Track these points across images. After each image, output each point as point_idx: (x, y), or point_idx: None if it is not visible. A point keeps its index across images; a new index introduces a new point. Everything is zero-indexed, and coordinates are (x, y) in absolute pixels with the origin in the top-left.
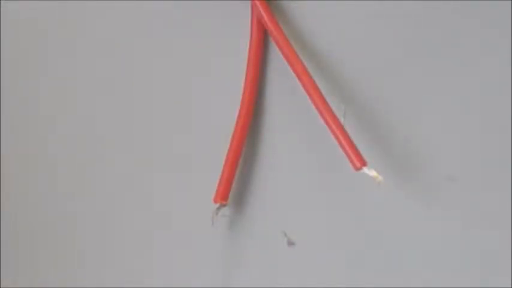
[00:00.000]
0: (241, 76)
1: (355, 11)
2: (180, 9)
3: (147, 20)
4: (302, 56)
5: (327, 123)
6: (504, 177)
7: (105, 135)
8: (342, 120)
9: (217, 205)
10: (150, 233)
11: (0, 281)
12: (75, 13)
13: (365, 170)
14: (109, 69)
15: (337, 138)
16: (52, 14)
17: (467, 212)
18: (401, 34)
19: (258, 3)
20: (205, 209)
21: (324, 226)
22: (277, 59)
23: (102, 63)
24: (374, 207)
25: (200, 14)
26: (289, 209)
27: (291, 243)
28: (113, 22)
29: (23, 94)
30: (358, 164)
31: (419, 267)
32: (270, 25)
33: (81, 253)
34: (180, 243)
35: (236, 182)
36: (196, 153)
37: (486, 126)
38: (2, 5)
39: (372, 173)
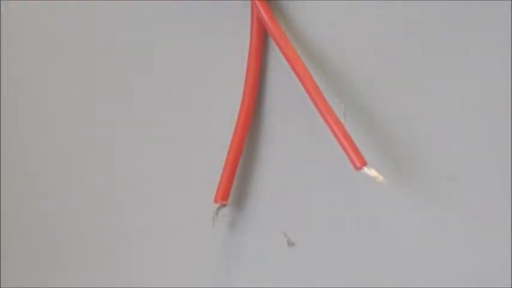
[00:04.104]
0: (241, 76)
1: (355, 11)
2: (180, 9)
3: (147, 20)
4: (302, 56)
5: (327, 123)
6: (504, 177)
7: (105, 135)
8: (342, 120)
9: (218, 205)
10: (150, 233)
11: (0, 281)
12: (75, 13)
13: (365, 170)
14: (109, 69)
15: (337, 138)
16: (52, 13)
17: (467, 212)
18: (401, 34)
19: (258, 3)
20: (205, 209)
21: (324, 226)
22: (277, 59)
23: (102, 63)
24: (374, 207)
25: (200, 14)
26: (289, 209)
27: (291, 243)
28: (112, 22)
29: (23, 94)
30: (358, 164)
31: (419, 267)
32: (270, 25)
33: (81, 253)
34: (180, 243)
35: (236, 182)
36: (196, 153)
37: (486, 126)
38: (2, 5)
39: (372, 173)
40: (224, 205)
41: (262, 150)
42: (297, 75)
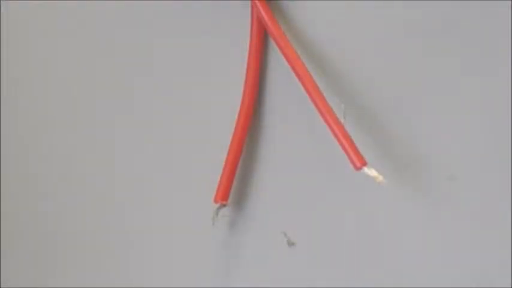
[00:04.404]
0: (241, 76)
1: (355, 11)
2: (180, 9)
3: (147, 20)
4: (302, 56)
5: (327, 123)
6: (504, 177)
7: (105, 135)
8: (342, 120)
9: (218, 205)
10: (150, 233)
11: (0, 281)
12: (75, 13)
13: (365, 170)
14: (109, 69)
15: (337, 138)
16: (52, 13)
17: (467, 212)
18: (401, 34)
19: (258, 3)
20: (205, 209)
21: (324, 226)
22: (277, 59)
23: (102, 63)
24: (374, 207)
25: (200, 14)
26: (289, 209)
27: (291, 243)
28: (112, 22)
29: (23, 94)
30: (358, 164)
31: (419, 267)
32: (270, 25)
33: (81, 253)
34: (180, 243)
35: (236, 182)
36: (197, 153)
37: (486, 126)
38: (2, 5)
39: (372, 173)
40: (224, 205)
41: (262, 150)
42: (297, 75)
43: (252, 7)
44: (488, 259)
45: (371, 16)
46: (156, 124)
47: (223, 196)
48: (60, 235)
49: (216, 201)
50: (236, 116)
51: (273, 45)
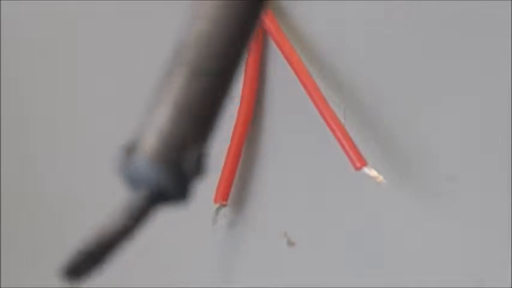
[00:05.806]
0: (240, 76)
1: (355, 11)
2: (180, 8)
3: (147, 20)
4: (302, 55)
5: (327, 123)
6: (504, 177)
7: (105, 134)
8: (342, 120)
9: (218, 205)
10: (150, 232)
11: (0, 281)
12: (75, 13)
13: (365, 170)
14: (109, 69)
15: (337, 138)
16: (52, 14)
17: (467, 212)
18: (401, 33)
19: None
20: (205, 210)
21: (324, 226)
22: (277, 59)
23: (102, 63)
24: (374, 207)
25: None
26: (289, 209)
27: (291, 243)
28: (113, 22)
29: (23, 94)
30: (358, 164)
31: (419, 267)
32: (270, 25)
33: None
34: (180, 243)
35: (236, 182)
36: None
37: (486, 126)
38: (2, 5)
39: (372, 173)
40: (224, 205)
41: (262, 150)
42: (297, 75)
43: None
44: (488, 259)
45: (372, 16)
46: None
47: (223, 196)
48: (60, 235)
49: (216, 201)
50: (236, 116)
51: (272, 45)
